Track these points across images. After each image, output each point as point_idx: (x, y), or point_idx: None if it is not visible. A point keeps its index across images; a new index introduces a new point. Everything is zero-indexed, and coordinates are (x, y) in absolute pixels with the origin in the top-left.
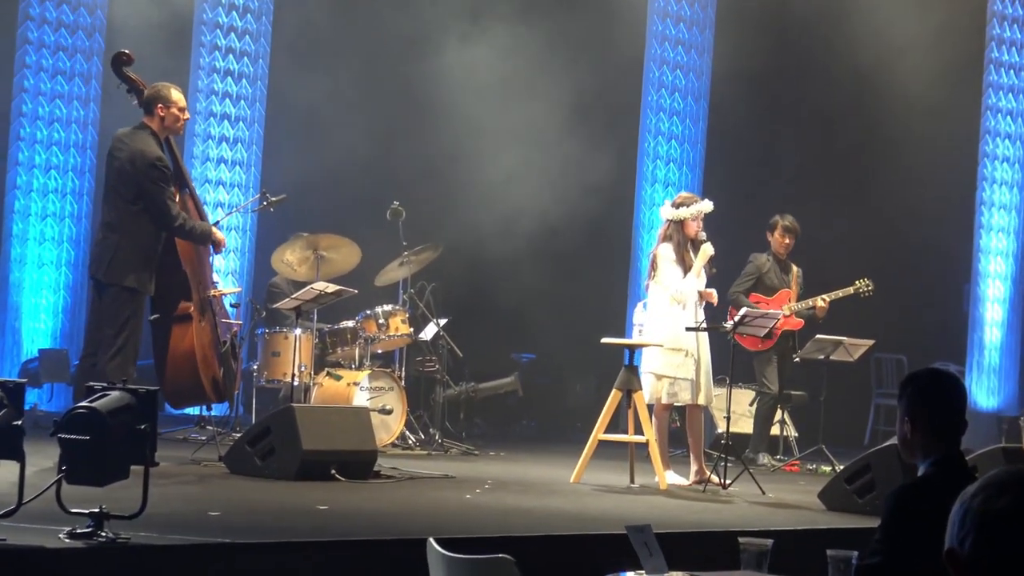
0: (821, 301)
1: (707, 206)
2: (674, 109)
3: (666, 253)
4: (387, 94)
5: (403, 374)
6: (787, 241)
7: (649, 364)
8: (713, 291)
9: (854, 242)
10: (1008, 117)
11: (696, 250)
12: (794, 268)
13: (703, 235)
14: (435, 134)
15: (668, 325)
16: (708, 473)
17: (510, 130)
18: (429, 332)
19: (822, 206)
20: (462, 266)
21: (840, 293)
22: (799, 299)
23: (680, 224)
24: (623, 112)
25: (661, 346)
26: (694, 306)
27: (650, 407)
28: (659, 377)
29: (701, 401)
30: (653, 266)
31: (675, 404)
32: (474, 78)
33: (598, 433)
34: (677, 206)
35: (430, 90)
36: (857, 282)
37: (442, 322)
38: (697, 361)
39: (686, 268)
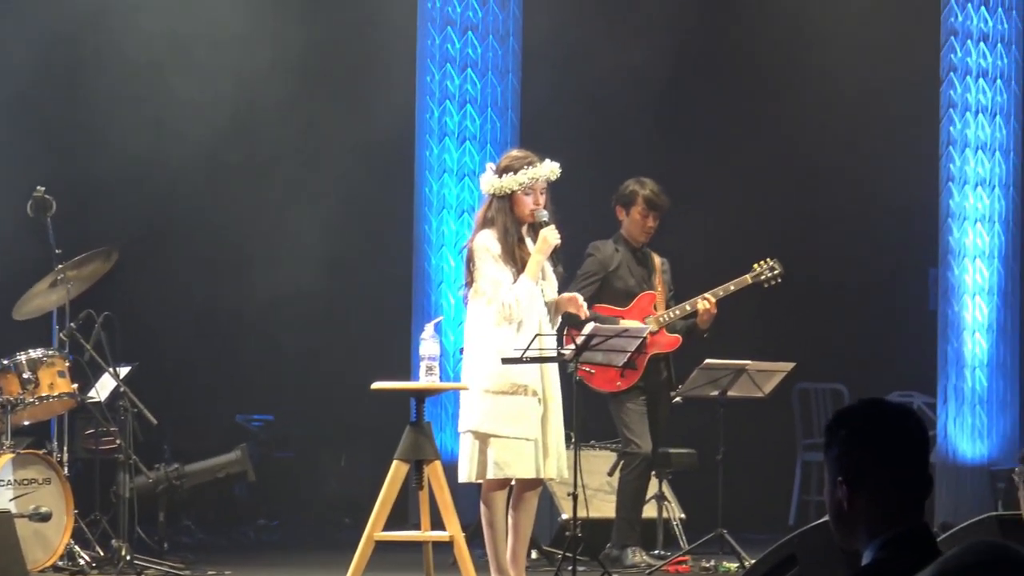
0: (703, 302)
1: (547, 170)
2: (468, 21)
3: (487, 245)
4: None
5: (66, 457)
6: (650, 222)
7: (466, 418)
8: (578, 296)
9: (753, 212)
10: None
11: (536, 238)
12: (656, 259)
13: (544, 214)
14: (98, 73)
15: (492, 356)
16: None
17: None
18: (104, 389)
19: (693, 159)
20: (150, 281)
21: (732, 286)
22: (668, 305)
23: (508, 200)
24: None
25: (466, 388)
26: (538, 324)
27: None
28: (480, 438)
29: (550, 474)
30: (469, 266)
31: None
32: None
33: (374, 530)
34: (502, 171)
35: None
36: (757, 265)
37: (123, 371)
38: (544, 411)
39: (520, 267)
